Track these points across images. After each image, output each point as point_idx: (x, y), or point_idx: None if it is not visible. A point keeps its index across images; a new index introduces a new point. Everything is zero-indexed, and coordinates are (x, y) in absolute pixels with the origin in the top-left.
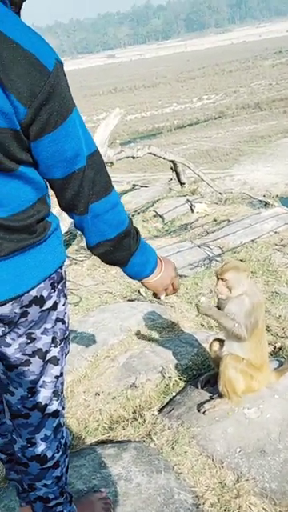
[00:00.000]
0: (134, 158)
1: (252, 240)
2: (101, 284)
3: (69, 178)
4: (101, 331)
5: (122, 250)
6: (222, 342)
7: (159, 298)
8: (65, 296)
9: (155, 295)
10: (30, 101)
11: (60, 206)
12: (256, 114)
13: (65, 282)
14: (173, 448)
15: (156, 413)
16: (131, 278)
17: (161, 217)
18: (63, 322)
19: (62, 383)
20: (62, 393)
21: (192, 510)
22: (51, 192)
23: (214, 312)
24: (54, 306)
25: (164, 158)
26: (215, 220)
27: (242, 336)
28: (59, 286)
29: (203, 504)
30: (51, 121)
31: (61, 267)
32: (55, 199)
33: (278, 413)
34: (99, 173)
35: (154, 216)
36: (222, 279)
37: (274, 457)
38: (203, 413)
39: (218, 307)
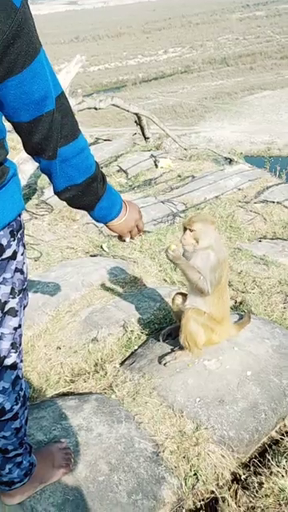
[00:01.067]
0: (96, 109)
1: (216, 196)
2: (62, 239)
3: (37, 121)
4: (62, 286)
5: (89, 194)
6: (184, 296)
7: (124, 241)
8: (23, 246)
9: (120, 238)
10: None
11: (26, 151)
12: (222, 70)
13: (23, 231)
14: (134, 399)
15: (118, 365)
16: (97, 221)
17: (124, 172)
18: (22, 272)
19: (21, 335)
20: (20, 345)
21: (152, 458)
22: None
23: (182, 261)
24: (14, 256)
25: (128, 111)
26: (179, 176)
27: (206, 290)
28: (18, 235)
29: (163, 452)
30: (19, 61)
31: (19, 215)
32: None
33: (236, 364)
34: (67, 116)
35: (118, 171)
36: (189, 229)
37: (233, 406)
38: (164, 365)
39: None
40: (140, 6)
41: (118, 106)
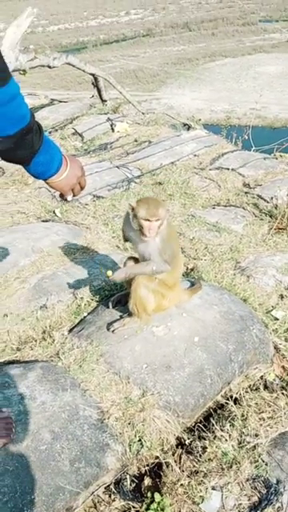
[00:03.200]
0: (50, 67)
1: (172, 162)
2: (13, 203)
3: None
4: (11, 252)
5: (23, 147)
6: (135, 261)
7: (66, 200)
8: None
9: (62, 196)
10: None
11: None
12: (184, 35)
13: None
14: (80, 366)
15: (66, 333)
16: (35, 177)
17: (80, 135)
18: None
19: None
20: None
21: (96, 425)
22: None
23: (129, 270)
24: None
25: (84, 71)
26: (136, 141)
27: (167, 270)
28: None
29: (108, 419)
30: None
31: None
32: None
33: (185, 330)
34: None
35: (73, 134)
36: (157, 219)
37: (179, 372)
38: (113, 331)
39: (124, 233)
40: None
41: (73, 65)
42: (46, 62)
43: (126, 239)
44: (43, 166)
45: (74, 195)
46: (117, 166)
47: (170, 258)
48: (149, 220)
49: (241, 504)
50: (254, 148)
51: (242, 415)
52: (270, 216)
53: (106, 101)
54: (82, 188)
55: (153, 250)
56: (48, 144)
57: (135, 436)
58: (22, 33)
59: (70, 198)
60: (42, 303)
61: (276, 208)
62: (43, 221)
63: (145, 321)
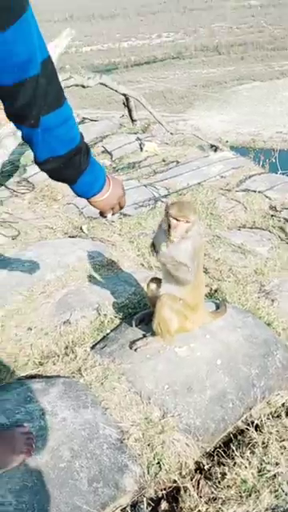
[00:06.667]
0: (84, 86)
1: (198, 183)
2: (41, 218)
3: (20, 85)
4: (38, 266)
5: (71, 167)
6: (159, 281)
7: (105, 217)
8: None
9: (102, 214)
10: None
11: (7, 117)
12: (214, 58)
13: None
14: (102, 384)
15: (88, 349)
16: (78, 196)
17: (109, 153)
18: None
19: None
20: None
21: (116, 445)
22: None
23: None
24: None
25: (116, 91)
26: (164, 160)
27: (190, 281)
28: None
29: (127, 439)
30: (3, 18)
31: None
32: None
33: (208, 352)
34: (52, 82)
35: (102, 152)
36: (186, 221)
37: (201, 394)
38: (135, 350)
39: (154, 245)
40: None
41: (106, 85)
42: (80, 82)
43: (154, 248)
44: (88, 185)
45: (113, 214)
46: (144, 185)
47: (195, 268)
48: (177, 219)
49: None
50: (280, 171)
51: (263, 442)
52: None
53: (135, 120)
54: (121, 208)
55: (185, 253)
56: (94, 164)
57: (154, 458)
58: (59, 53)
59: (109, 216)
60: (65, 318)
61: None
62: (70, 236)
63: (168, 341)
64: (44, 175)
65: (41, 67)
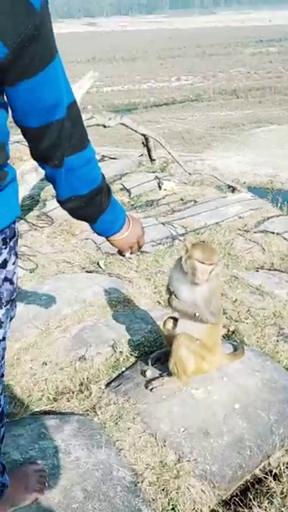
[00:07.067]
0: (105, 126)
1: (216, 223)
2: (59, 252)
3: (46, 128)
4: (55, 300)
5: (92, 206)
6: (175, 320)
7: (124, 256)
8: (16, 255)
9: (120, 252)
10: (12, 41)
11: (32, 157)
12: (232, 101)
13: (17, 240)
14: (116, 423)
15: (103, 387)
16: (98, 234)
17: (128, 191)
18: (11, 282)
19: (4, 348)
20: (2, 358)
21: (129, 488)
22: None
23: (179, 304)
24: (4, 264)
25: (136, 131)
26: (182, 199)
27: (211, 321)
28: (11, 243)
29: (141, 482)
30: (33, 65)
31: (14, 222)
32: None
33: (225, 395)
34: (77, 125)
35: (121, 189)
36: (211, 264)
37: (217, 439)
38: (151, 390)
39: (170, 292)
40: (157, 33)
41: (127, 126)
42: (102, 122)
43: (169, 290)
44: (108, 224)
45: (131, 253)
46: (162, 223)
47: (215, 309)
48: (203, 263)
49: None
50: None
51: (282, 492)
52: None
53: (154, 160)
54: (140, 247)
55: (199, 297)
56: (114, 204)
57: (168, 504)
58: (82, 94)
59: (127, 255)
60: (81, 354)
61: None
62: (87, 271)
63: (184, 382)
64: (63, 210)
65: (67, 111)
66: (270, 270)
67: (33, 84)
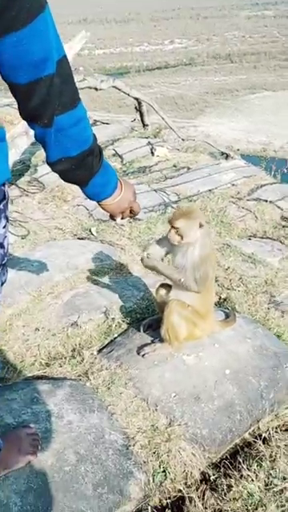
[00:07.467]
0: (96, 89)
1: (209, 190)
2: (51, 219)
3: (34, 84)
4: (47, 267)
5: (83, 169)
6: (168, 287)
7: (115, 220)
8: (6, 218)
9: (111, 217)
10: None
11: (21, 116)
12: (226, 66)
13: (7, 203)
14: (108, 388)
15: (95, 352)
16: (89, 198)
17: (120, 157)
18: (2, 246)
19: None
20: None
21: (121, 451)
22: None
23: (159, 265)
24: None
25: (128, 95)
26: (175, 166)
27: (193, 289)
28: (1, 206)
29: (133, 446)
30: (21, 17)
31: (3, 185)
32: None
33: (216, 361)
34: (67, 82)
35: (113, 155)
36: (173, 227)
37: (208, 404)
38: (142, 356)
39: (169, 252)
40: None
41: (119, 89)
42: (93, 84)
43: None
44: (99, 187)
45: (122, 218)
46: (154, 190)
47: (201, 279)
48: (170, 224)
49: None
50: None
51: (271, 456)
52: None
53: (147, 125)
54: (133, 213)
55: (188, 261)
56: (106, 167)
57: (159, 466)
58: (73, 55)
59: (119, 220)
60: (73, 320)
61: None
62: (79, 238)
63: (176, 348)
64: (55, 176)
65: (56, 66)
66: (262, 238)
67: (20, 37)
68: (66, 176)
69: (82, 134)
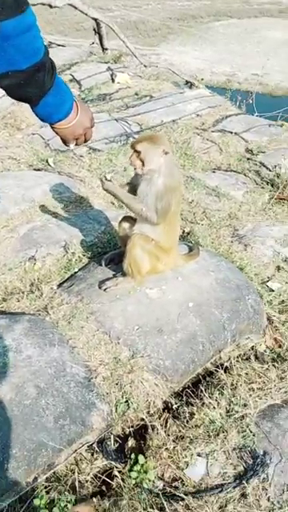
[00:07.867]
0: (51, 6)
1: (173, 120)
2: (4, 148)
3: None
4: (0, 199)
5: (33, 85)
6: (132, 220)
7: (68, 146)
8: None
9: (64, 142)
10: None
11: None
12: None
13: None
14: (69, 323)
15: (55, 287)
16: (41, 120)
17: (78, 82)
18: None
19: None
20: None
21: (83, 383)
22: None
23: (118, 191)
24: None
25: (86, 15)
26: (137, 94)
27: (153, 220)
28: None
29: (95, 378)
30: None
31: None
32: None
33: (179, 295)
34: None
35: (71, 81)
36: (135, 150)
37: (171, 336)
38: (104, 290)
39: (131, 183)
40: None
41: (76, 7)
42: (47, 1)
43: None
44: (52, 108)
45: (76, 144)
46: (115, 119)
47: (162, 209)
48: (132, 148)
49: (226, 472)
50: (256, 114)
51: (232, 384)
52: (272, 185)
53: (106, 49)
54: (86, 140)
55: (152, 190)
56: (60, 86)
57: (122, 397)
58: None
59: (72, 146)
60: (30, 255)
61: (278, 177)
62: (35, 169)
63: (138, 282)
64: (6, 101)
65: None
66: (226, 171)
67: None
68: (15, 92)
69: (32, 44)
